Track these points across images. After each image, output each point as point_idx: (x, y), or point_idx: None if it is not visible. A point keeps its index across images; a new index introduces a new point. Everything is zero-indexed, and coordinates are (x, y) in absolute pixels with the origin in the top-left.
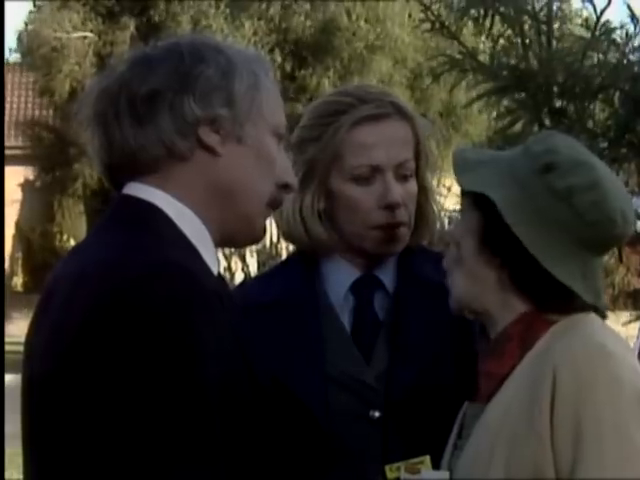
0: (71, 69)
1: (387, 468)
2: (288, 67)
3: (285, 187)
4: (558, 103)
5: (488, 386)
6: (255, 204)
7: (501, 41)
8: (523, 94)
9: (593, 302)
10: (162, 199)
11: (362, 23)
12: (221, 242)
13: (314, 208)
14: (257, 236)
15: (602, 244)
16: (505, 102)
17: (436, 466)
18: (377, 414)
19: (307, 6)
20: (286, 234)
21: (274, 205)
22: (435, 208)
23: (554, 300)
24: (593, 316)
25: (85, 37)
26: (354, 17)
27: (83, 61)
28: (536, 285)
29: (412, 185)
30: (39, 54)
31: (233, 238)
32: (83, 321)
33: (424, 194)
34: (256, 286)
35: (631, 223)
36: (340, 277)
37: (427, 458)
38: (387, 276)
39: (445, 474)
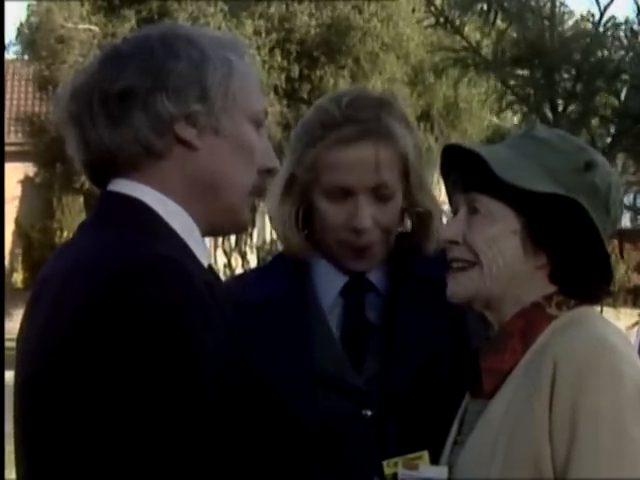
0: (75, 60)
1: (385, 463)
2: (296, 68)
3: (268, 172)
4: (571, 84)
5: (490, 383)
6: (238, 194)
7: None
8: (532, 70)
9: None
10: (148, 194)
11: (375, 22)
12: (208, 232)
13: (291, 218)
14: (243, 225)
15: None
16: (507, 98)
17: (434, 462)
18: (369, 413)
19: (311, 5)
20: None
21: (257, 192)
22: (439, 221)
23: (592, 287)
24: (595, 311)
25: (90, 29)
26: (367, 16)
27: (87, 53)
28: (580, 277)
29: (392, 206)
30: (44, 44)
31: (219, 228)
32: (73, 318)
33: (424, 217)
34: (242, 285)
35: None
36: (330, 279)
37: (425, 453)
38: (378, 276)
39: (443, 469)
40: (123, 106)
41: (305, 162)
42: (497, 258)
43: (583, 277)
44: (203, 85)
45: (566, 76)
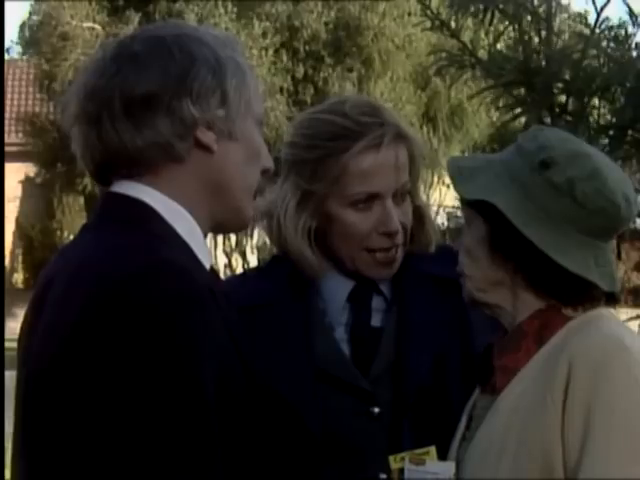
0: (77, 58)
1: (391, 458)
2: (301, 69)
3: (265, 172)
4: (561, 100)
5: (504, 380)
6: (245, 196)
7: (502, 38)
8: (525, 90)
9: (609, 288)
10: (152, 196)
11: (387, 21)
12: (212, 231)
13: (305, 230)
14: (247, 223)
15: (609, 230)
16: (505, 98)
17: (442, 458)
18: (377, 409)
19: (318, 4)
20: (280, 251)
21: (258, 191)
22: (432, 223)
23: (571, 294)
24: (609, 312)
25: (93, 28)
26: (379, 16)
27: (89, 52)
28: (552, 282)
29: (407, 205)
30: (47, 41)
31: (224, 227)
32: (78, 321)
33: (421, 211)
34: (243, 286)
35: (634, 203)
36: (337, 285)
37: (432, 449)
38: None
39: (450, 465)
40: (147, 110)
41: (325, 175)
42: (474, 267)
43: (554, 282)
44: (223, 89)
45: (556, 91)
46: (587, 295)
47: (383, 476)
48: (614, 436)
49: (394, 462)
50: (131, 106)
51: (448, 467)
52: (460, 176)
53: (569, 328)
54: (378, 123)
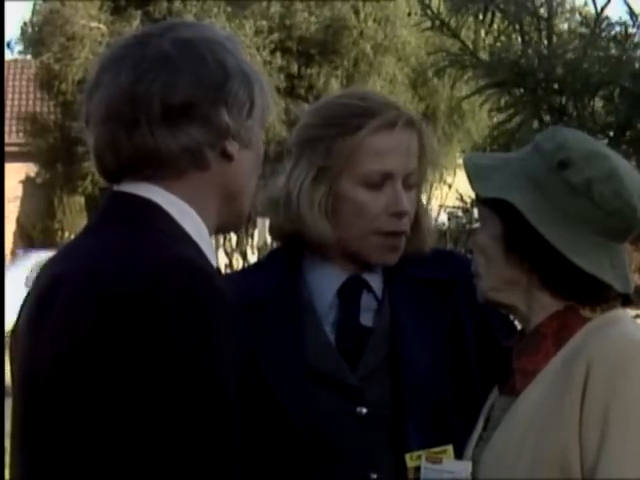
0: (86, 57)
1: (407, 456)
2: (294, 66)
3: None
4: (557, 100)
5: (524, 383)
6: (249, 200)
7: (502, 38)
8: (522, 90)
9: (623, 290)
10: (161, 196)
11: (370, 23)
12: (212, 232)
13: (322, 205)
14: (242, 226)
15: (625, 232)
16: (504, 98)
17: (457, 457)
18: (364, 410)
19: (311, 4)
20: (292, 231)
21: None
22: (430, 227)
23: (586, 294)
24: (626, 314)
25: (98, 28)
26: (362, 16)
27: (98, 51)
28: (567, 282)
29: (413, 195)
30: (54, 40)
31: (222, 229)
32: (97, 321)
33: (421, 205)
34: (239, 284)
35: None
36: (327, 280)
37: (450, 448)
38: (374, 277)
39: (467, 465)
40: (183, 116)
41: (340, 152)
42: (489, 266)
43: (570, 282)
44: (252, 100)
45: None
46: (602, 296)
47: (374, 476)
48: (631, 436)
49: (410, 460)
50: (169, 113)
51: (465, 466)
52: (477, 174)
53: (588, 330)
54: (393, 106)
